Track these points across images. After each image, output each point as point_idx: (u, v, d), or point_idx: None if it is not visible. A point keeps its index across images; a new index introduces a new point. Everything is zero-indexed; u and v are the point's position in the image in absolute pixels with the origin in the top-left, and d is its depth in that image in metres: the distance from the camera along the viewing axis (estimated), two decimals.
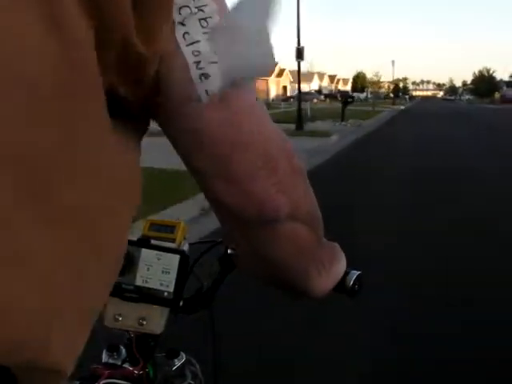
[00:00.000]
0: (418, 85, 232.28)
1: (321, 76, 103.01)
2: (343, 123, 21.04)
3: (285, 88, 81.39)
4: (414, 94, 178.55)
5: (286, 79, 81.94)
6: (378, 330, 3.11)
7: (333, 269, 0.75)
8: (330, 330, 3.12)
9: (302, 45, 19.12)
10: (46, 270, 0.40)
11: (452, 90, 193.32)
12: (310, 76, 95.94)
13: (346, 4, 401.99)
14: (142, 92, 0.47)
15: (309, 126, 19.12)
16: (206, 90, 0.48)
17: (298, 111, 18.59)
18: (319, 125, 20.24)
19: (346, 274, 0.81)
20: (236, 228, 0.59)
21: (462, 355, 2.80)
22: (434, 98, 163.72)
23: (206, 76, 0.48)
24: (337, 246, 0.80)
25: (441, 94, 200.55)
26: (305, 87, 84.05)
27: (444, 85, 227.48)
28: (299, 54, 19.08)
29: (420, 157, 11.59)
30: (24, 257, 0.39)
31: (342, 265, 0.79)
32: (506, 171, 9.38)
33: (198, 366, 1.00)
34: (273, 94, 74.34)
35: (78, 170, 0.42)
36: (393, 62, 78.54)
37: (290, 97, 60.87)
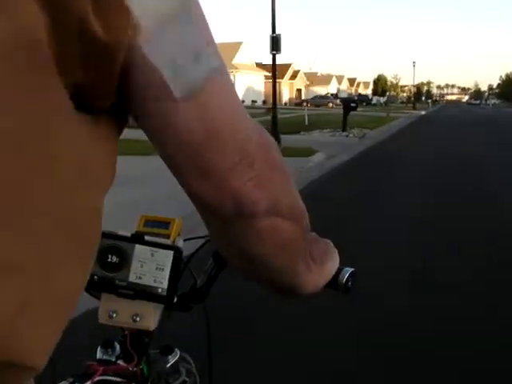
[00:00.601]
0: (442, 89, 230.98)
1: (339, 79, 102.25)
2: (344, 133, 18.87)
3: (299, 91, 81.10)
4: (438, 98, 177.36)
5: (301, 82, 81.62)
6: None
7: (325, 265, 0.78)
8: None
9: (278, 32, 15.03)
10: (15, 263, 0.43)
11: (477, 94, 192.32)
12: (327, 79, 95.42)
13: (367, 2, 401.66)
14: (110, 85, 0.47)
15: (300, 136, 16.67)
16: (178, 86, 0.49)
17: (272, 119, 14.81)
18: (314, 136, 17.60)
19: (339, 270, 0.85)
20: (217, 225, 0.60)
21: None
22: (458, 102, 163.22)
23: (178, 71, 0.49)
24: (329, 242, 0.83)
25: (466, 98, 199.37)
26: (322, 90, 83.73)
27: (469, 89, 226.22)
28: (275, 43, 14.98)
29: (431, 188, 8.66)
30: None
31: (334, 261, 0.82)
32: None
33: (192, 363, 1.04)
34: (286, 97, 73.93)
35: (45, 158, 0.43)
36: (414, 63, 78.10)
37: (304, 101, 60.64)
